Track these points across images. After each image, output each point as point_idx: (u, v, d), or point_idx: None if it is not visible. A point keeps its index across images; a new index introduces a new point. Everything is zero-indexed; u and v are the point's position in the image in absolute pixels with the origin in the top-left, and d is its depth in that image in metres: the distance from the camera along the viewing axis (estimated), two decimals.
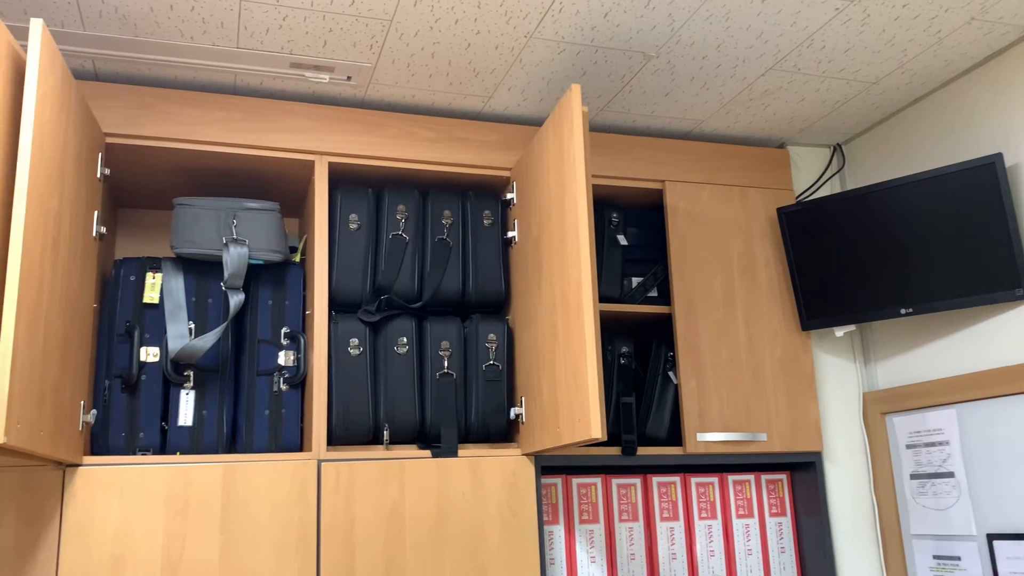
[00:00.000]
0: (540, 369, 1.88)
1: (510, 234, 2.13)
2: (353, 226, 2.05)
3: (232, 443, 1.94)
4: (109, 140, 1.89)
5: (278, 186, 2.17)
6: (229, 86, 2.00)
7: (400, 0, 1.69)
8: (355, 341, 1.99)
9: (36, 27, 1.44)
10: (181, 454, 1.87)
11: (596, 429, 1.58)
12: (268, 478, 1.80)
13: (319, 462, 1.85)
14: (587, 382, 1.62)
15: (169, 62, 1.87)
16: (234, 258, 1.93)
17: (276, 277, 2.04)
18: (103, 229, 1.85)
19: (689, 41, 1.89)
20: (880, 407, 2.30)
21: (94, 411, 1.79)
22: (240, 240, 1.95)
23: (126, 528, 1.69)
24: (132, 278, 1.94)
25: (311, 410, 1.93)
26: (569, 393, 1.71)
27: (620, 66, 1.99)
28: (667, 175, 2.28)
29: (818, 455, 2.25)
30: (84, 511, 1.68)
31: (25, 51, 1.60)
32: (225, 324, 1.90)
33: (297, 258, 2.14)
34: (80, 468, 1.69)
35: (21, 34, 1.72)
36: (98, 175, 1.81)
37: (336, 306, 2.03)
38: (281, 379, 1.98)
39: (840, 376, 2.37)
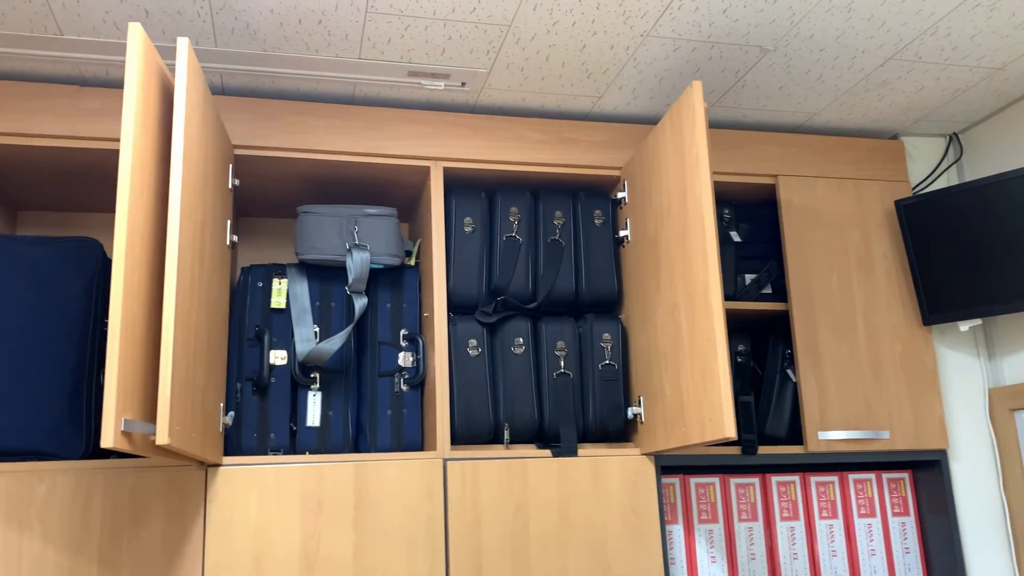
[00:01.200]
0: (661, 368, 1.88)
1: (622, 233, 2.13)
2: (468, 229, 2.08)
3: (356, 443, 2.00)
4: (237, 152, 1.96)
5: (390, 191, 2.22)
6: (348, 96, 2.05)
7: (520, 5, 1.71)
8: (474, 342, 2.02)
9: (183, 46, 1.51)
10: (310, 454, 1.93)
11: (729, 428, 1.57)
12: (396, 477, 1.84)
13: (444, 461, 1.88)
14: (718, 381, 1.61)
15: (294, 75, 1.93)
16: (357, 263, 1.98)
17: (393, 280, 2.09)
18: (235, 238, 1.92)
19: (808, 34, 1.86)
20: (1008, 403, 2.22)
21: (231, 413, 1.86)
22: (362, 245, 2.00)
23: (265, 526, 1.75)
24: (259, 284, 2.01)
25: (432, 410, 1.97)
26: (697, 392, 1.70)
27: (735, 61, 1.97)
28: (779, 169, 2.25)
29: (943, 453, 2.18)
30: (226, 510, 1.74)
31: (169, 69, 1.67)
32: (350, 327, 1.96)
33: (412, 261, 2.18)
34: (221, 468, 1.76)
35: (163, 53, 1.80)
36: (229, 186, 1.89)
37: (453, 308, 2.07)
38: (401, 380, 2.03)
39: (964, 372, 2.30)
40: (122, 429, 1.30)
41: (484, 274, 2.07)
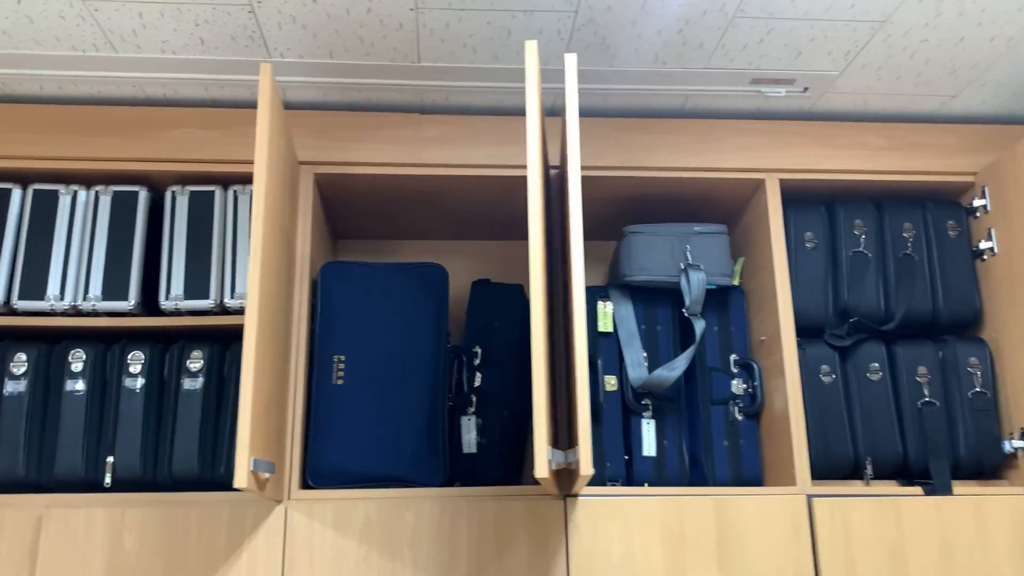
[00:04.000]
0: None
1: (983, 245, 1.91)
2: (809, 245, 1.93)
3: (691, 475, 1.88)
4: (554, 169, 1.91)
5: (708, 207, 2.11)
6: (677, 110, 1.97)
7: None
8: (826, 368, 1.86)
9: (571, 63, 1.46)
10: (649, 485, 1.84)
11: None
12: (757, 513, 1.71)
13: (809, 498, 1.74)
14: None
15: (630, 90, 1.87)
16: (695, 284, 1.88)
17: (718, 302, 1.97)
18: None
19: None
20: None
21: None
22: (695, 265, 1.90)
23: (629, 560, 1.67)
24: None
25: (774, 441, 1.83)
26: None
27: None
28: None
29: None
30: (588, 540, 1.68)
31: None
32: (690, 351, 1.85)
33: (736, 281, 2.05)
34: (580, 499, 1.70)
35: (507, 75, 1.79)
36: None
37: (796, 331, 1.92)
38: (736, 408, 1.90)
39: None
40: (549, 460, 1.24)
41: (830, 293, 1.91)
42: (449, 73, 1.78)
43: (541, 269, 1.31)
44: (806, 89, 1.88)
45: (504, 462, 1.91)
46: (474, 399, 1.91)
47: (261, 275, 1.40)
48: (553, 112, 1.98)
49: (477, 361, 1.94)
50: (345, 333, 1.79)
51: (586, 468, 1.27)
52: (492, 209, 2.10)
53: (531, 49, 1.40)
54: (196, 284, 1.78)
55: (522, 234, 2.31)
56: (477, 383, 1.91)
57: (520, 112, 1.97)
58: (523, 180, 1.91)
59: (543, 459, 1.22)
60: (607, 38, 1.68)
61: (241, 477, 1.26)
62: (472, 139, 1.90)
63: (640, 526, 1.69)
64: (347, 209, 2.08)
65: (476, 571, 1.65)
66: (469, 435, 1.88)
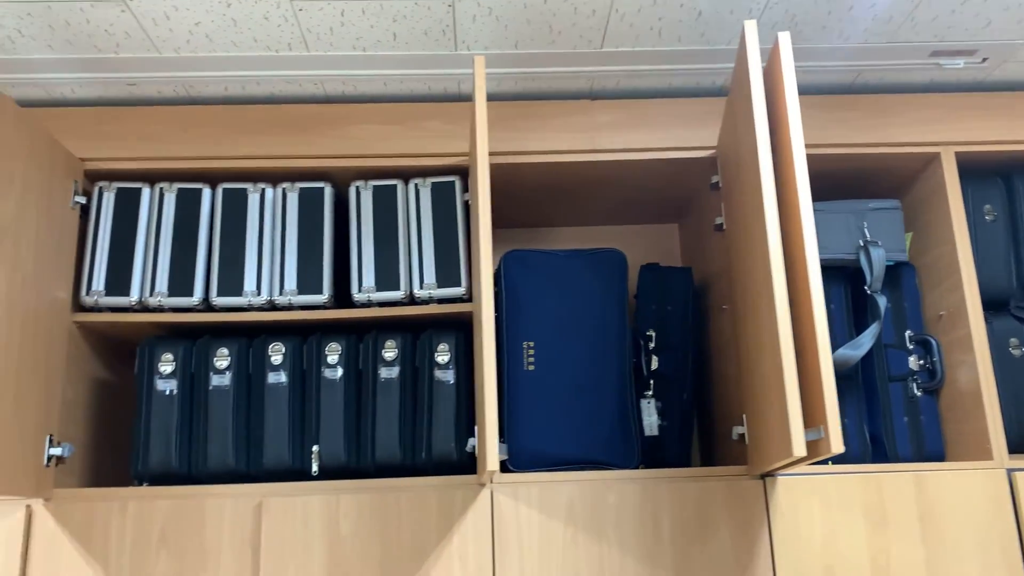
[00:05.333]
0: None
1: None
2: (989, 218, 1.91)
3: (873, 452, 1.88)
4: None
5: (873, 183, 2.09)
6: (847, 86, 1.95)
7: None
8: (1015, 341, 1.84)
9: (785, 41, 1.45)
10: (832, 464, 1.84)
11: None
12: (956, 488, 1.70)
13: (1008, 472, 1.72)
14: None
15: (804, 67, 1.86)
16: (876, 260, 1.87)
17: (890, 278, 1.95)
18: None
19: None
20: None
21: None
22: (874, 242, 1.89)
23: (832, 539, 1.67)
24: None
25: (959, 416, 1.81)
26: None
27: None
28: None
29: None
30: (790, 520, 1.68)
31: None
32: (876, 329, 1.84)
33: (905, 256, 2.03)
34: (779, 478, 1.71)
35: (687, 58, 1.79)
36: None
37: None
38: (915, 385, 1.89)
39: None
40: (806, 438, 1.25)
41: (1012, 265, 1.89)
42: (631, 57, 1.78)
43: (779, 252, 1.31)
44: (985, 60, 1.85)
45: (684, 444, 1.93)
46: (652, 383, 1.93)
47: (482, 265, 1.42)
48: (723, 92, 1.98)
49: (652, 345, 1.95)
50: (532, 319, 1.82)
51: (837, 446, 1.27)
52: (657, 193, 2.11)
53: (751, 29, 1.40)
54: (386, 276, 1.82)
55: (676, 217, 2.31)
56: (654, 366, 1.93)
57: (694, 93, 1.97)
58: (695, 162, 1.92)
59: (800, 439, 1.23)
60: (797, 15, 1.67)
61: (493, 460, 1.29)
62: (645, 123, 1.91)
63: (841, 504, 1.69)
64: (508, 199, 2.11)
65: (681, 553, 1.67)
66: (650, 418, 1.89)
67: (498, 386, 1.80)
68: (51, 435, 1.67)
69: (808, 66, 1.85)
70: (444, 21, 1.64)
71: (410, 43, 1.71)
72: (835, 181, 2.07)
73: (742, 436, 1.73)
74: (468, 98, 1.94)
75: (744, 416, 1.71)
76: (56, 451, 1.67)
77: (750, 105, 1.43)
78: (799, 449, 1.22)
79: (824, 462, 1.85)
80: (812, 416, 1.35)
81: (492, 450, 1.29)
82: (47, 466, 1.65)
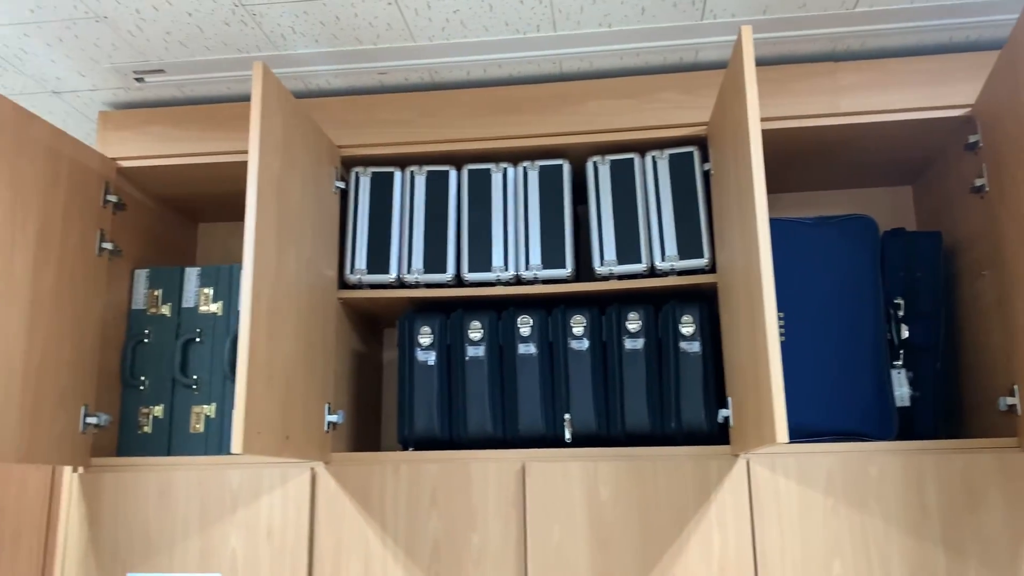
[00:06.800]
0: None
1: None
2: None
3: None
4: None
5: None
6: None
7: None
8: None
9: None
10: None
11: None
12: None
13: None
14: None
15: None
16: None
17: None
18: None
19: None
20: None
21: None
22: None
23: None
24: None
25: None
26: None
27: None
28: None
29: None
30: None
31: None
32: None
33: None
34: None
35: (937, 13, 1.70)
36: None
37: None
38: None
39: None
40: None
41: None
42: (888, 16, 1.72)
43: None
44: None
45: (937, 416, 1.86)
46: (902, 352, 1.87)
47: (760, 234, 1.42)
48: (977, 47, 1.87)
49: (901, 313, 1.89)
50: (779, 289, 1.80)
51: None
52: (893, 155, 2.03)
53: None
54: (627, 249, 1.85)
55: (911, 179, 2.22)
56: (905, 335, 1.87)
57: (944, 50, 1.88)
58: (944, 122, 1.83)
59: None
60: None
61: (782, 431, 1.30)
62: (891, 83, 1.83)
63: None
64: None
65: (950, 526, 1.62)
66: (901, 389, 1.84)
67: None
68: (328, 403, 1.81)
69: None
70: None
71: (657, 16, 1.72)
72: None
73: (1011, 407, 1.66)
74: (705, 67, 1.93)
75: (1016, 387, 1.63)
76: (333, 418, 1.81)
77: None
78: None
79: None
80: None
81: (781, 421, 1.30)
82: (327, 432, 1.79)
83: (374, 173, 1.97)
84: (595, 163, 1.92)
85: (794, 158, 2.03)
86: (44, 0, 1.63)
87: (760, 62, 1.92)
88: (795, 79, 1.87)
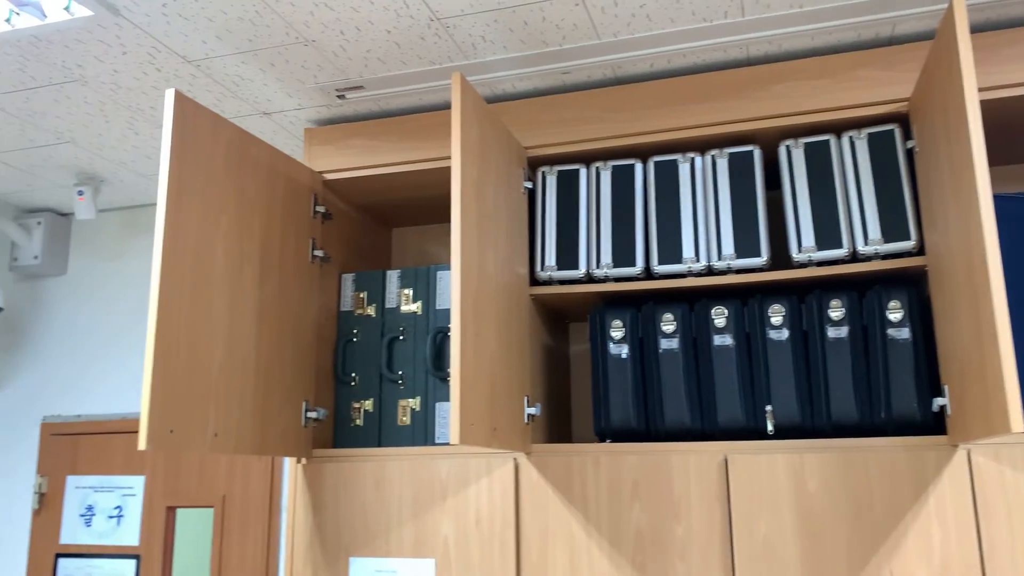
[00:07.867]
0: None
1: None
2: None
3: None
4: None
5: None
6: None
7: None
8: None
9: None
10: None
11: None
12: None
13: None
14: None
15: None
16: None
17: None
18: None
19: None
20: None
21: None
22: None
23: None
24: None
25: None
26: None
27: None
28: None
29: None
30: None
31: None
32: None
33: None
34: None
35: None
36: None
37: None
38: None
39: None
40: None
41: None
42: None
43: None
44: None
45: None
46: None
47: (983, 214, 1.34)
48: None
49: None
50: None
51: None
52: None
53: None
54: (827, 234, 1.80)
55: None
56: None
57: None
58: None
59: None
60: None
61: (1017, 420, 1.22)
62: None
63: None
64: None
65: None
66: None
67: None
68: (527, 396, 1.87)
69: None
70: None
71: None
72: None
73: None
74: (903, 40, 1.84)
75: None
76: (531, 410, 1.87)
77: None
78: None
79: None
80: None
81: (1016, 410, 1.23)
82: (526, 424, 1.85)
83: (560, 171, 2.01)
84: (788, 147, 1.87)
85: (1002, 129, 1.90)
86: (260, 29, 1.78)
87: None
88: (1006, 45, 1.74)
